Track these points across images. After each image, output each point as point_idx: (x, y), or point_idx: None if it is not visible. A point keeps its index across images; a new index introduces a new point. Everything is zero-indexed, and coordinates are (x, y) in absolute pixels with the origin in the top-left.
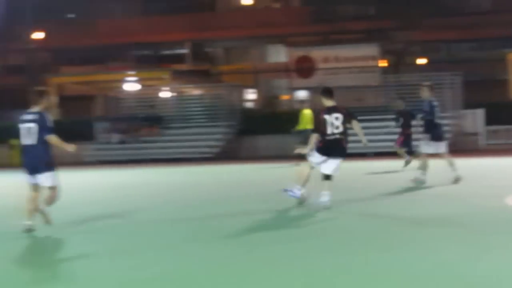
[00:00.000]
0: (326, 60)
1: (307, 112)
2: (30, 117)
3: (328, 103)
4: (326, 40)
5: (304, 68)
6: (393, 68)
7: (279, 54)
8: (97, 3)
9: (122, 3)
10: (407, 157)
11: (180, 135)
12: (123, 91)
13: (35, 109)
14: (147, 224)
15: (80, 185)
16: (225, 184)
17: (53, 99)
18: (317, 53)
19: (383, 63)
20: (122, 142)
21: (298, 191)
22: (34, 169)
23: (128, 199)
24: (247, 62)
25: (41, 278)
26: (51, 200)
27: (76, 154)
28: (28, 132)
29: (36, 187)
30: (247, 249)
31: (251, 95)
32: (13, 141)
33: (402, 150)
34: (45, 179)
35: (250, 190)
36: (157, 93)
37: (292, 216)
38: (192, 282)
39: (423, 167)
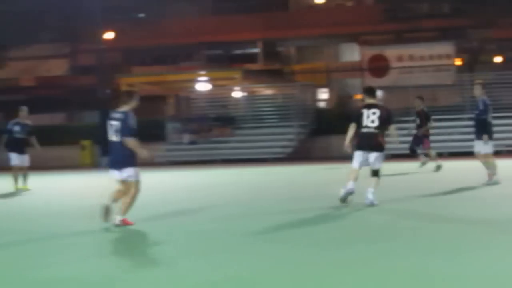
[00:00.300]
0: (400, 59)
1: None
2: (117, 115)
3: (369, 101)
4: (400, 38)
5: (377, 67)
6: (468, 66)
7: (352, 53)
8: (167, 3)
9: (193, 2)
10: (425, 158)
11: (252, 136)
12: (194, 91)
13: (122, 109)
14: (220, 224)
15: (154, 186)
16: (297, 185)
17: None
18: (391, 52)
19: (458, 62)
20: (193, 142)
21: (345, 188)
22: (118, 164)
23: (202, 199)
24: (320, 61)
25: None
26: (134, 195)
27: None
28: (113, 129)
29: (121, 182)
30: (319, 250)
31: (323, 94)
32: (84, 142)
33: (431, 151)
34: (128, 174)
35: (320, 190)
36: (228, 93)
37: (363, 216)
38: (266, 283)
39: (492, 168)
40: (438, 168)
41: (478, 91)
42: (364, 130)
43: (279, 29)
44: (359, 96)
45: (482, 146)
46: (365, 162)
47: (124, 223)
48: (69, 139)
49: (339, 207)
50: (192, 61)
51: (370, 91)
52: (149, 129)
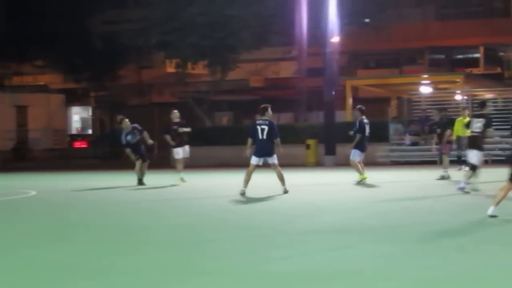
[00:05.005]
0: None
1: None
2: (263, 122)
3: (481, 111)
4: None
5: None
6: None
7: None
8: (393, 9)
9: (417, 8)
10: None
11: None
12: (417, 93)
13: (265, 117)
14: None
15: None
16: None
17: (348, 101)
18: None
19: None
20: (415, 144)
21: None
22: (269, 153)
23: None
24: None
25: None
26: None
27: (370, 155)
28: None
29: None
30: None
31: None
32: (309, 141)
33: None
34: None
35: None
36: (450, 96)
37: None
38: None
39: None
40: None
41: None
42: (471, 134)
43: (501, 35)
44: None
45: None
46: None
47: None
48: (296, 138)
49: None
50: (414, 65)
51: (482, 105)
52: (372, 130)
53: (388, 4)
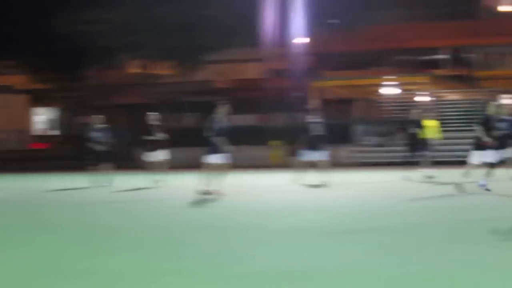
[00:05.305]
0: None
1: None
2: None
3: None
4: None
5: None
6: None
7: None
8: (362, 10)
9: (385, 10)
10: None
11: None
12: (382, 95)
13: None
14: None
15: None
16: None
17: (315, 102)
18: None
19: None
20: (380, 145)
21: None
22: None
23: (388, 202)
24: (507, 67)
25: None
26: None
27: (334, 156)
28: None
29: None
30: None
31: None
32: (273, 142)
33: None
34: None
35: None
36: (414, 98)
37: None
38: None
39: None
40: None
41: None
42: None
43: (468, 37)
44: None
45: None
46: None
47: None
48: (261, 140)
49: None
50: (382, 66)
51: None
52: (338, 131)
53: (357, 6)
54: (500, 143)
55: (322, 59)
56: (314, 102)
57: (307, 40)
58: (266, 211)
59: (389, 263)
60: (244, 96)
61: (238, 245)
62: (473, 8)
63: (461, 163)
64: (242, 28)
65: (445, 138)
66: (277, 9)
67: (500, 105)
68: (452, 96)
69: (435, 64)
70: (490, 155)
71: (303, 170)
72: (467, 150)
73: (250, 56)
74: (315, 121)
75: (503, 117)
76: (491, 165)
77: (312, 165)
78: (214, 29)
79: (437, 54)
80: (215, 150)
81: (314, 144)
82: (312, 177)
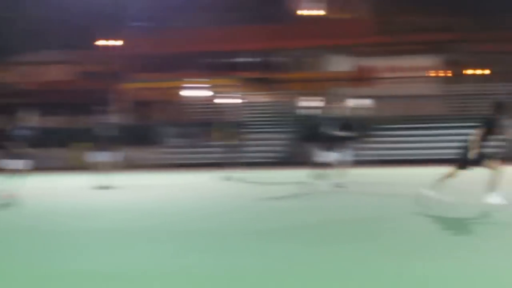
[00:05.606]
0: (388, 70)
1: None
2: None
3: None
4: (389, 50)
5: (366, 77)
6: (455, 78)
7: (344, 63)
8: (173, 13)
9: (196, 13)
10: None
11: (247, 140)
12: (188, 97)
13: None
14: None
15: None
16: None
17: (124, 104)
18: (380, 63)
19: (444, 74)
20: (189, 146)
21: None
22: None
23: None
24: (313, 71)
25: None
26: None
27: (143, 157)
28: None
29: None
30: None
31: (315, 102)
32: (76, 144)
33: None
34: None
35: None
36: (221, 100)
37: None
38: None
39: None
40: None
41: None
42: None
43: (276, 40)
44: (348, 104)
45: None
46: None
47: None
48: (64, 141)
49: None
50: (190, 69)
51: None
52: (146, 133)
53: (168, 9)
54: (331, 144)
55: (132, 61)
56: (115, 104)
57: (118, 42)
58: (62, 213)
59: (196, 263)
60: (50, 99)
61: (44, 247)
62: (281, 13)
63: (271, 164)
64: (48, 30)
65: (252, 140)
66: (87, 11)
67: (331, 107)
68: (258, 98)
69: (242, 67)
70: (323, 155)
71: (100, 171)
72: (275, 151)
73: (58, 58)
74: (107, 122)
75: (332, 117)
76: (324, 166)
77: (115, 166)
78: (19, 31)
79: (245, 57)
80: (14, 155)
81: (104, 145)
82: (108, 178)
